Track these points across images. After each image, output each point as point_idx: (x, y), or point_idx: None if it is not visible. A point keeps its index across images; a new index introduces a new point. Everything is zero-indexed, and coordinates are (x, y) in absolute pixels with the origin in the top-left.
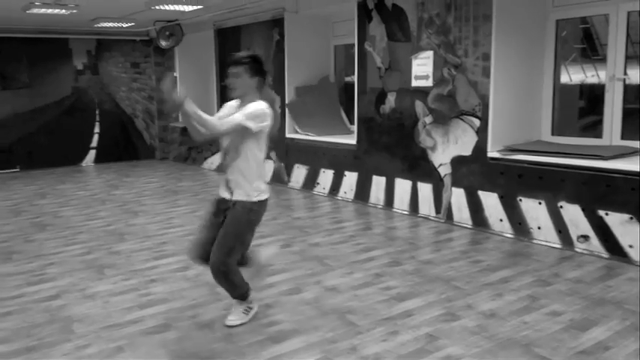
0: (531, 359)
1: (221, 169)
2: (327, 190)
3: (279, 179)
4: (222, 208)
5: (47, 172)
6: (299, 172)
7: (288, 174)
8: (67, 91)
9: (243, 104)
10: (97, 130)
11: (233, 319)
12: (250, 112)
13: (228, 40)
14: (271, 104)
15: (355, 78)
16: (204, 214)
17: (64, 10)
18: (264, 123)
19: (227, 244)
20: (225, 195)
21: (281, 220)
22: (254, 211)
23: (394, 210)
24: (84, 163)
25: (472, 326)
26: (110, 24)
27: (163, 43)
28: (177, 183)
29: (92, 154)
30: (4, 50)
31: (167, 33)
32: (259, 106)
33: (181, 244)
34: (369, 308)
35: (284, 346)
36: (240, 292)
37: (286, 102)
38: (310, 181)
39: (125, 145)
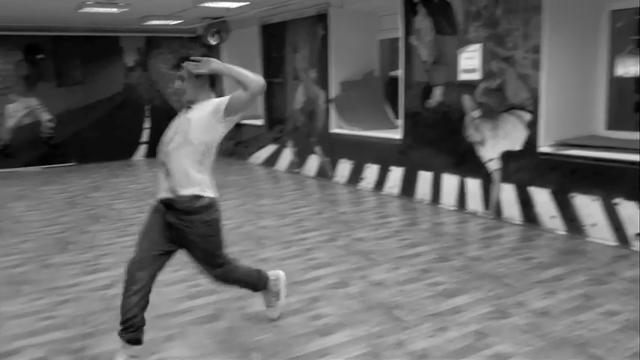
0: (586, 359)
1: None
2: (372, 185)
3: (324, 174)
4: None
5: (101, 165)
6: (344, 167)
7: (333, 169)
8: (118, 88)
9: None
10: (146, 125)
11: (272, 312)
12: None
13: (273, 36)
14: (314, 100)
15: (401, 72)
16: None
17: (115, 9)
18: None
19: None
20: None
21: (326, 215)
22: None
23: (441, 206)
24: (135, 158)
25: (523, 324)
26: (159, 22)
27: (210, 40)
28: (225, 177)
29: (143, 148)
30: (59, 49)
31: (214, 30)
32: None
33: (230, 236)
34: (416, 304)
35: (330, 340)
36: (256, 284)
37: (331, 97)
38: (355, 176)
39: None
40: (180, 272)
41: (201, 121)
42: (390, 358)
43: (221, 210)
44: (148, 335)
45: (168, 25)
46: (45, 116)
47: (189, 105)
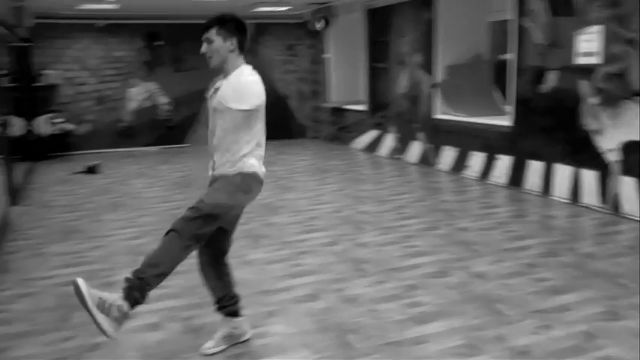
0: None
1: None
2: (477, 174)
3: (426, 161)
4: None
5: None
6: (448, 155)
7: (436, 156)
8: None
9: (224, 77)
10: None
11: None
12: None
13: (378, 20)
14: (418, 85)
15: (512, 56)
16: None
17: None
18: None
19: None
20: None
21: (427, 202)
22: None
23: (552, 197)
24: None
25: (637, 328)
26: (268, 8)
27: (317, 25)
28: (327, 161)
29: None
30: (176, 36)
31: (320, 15)
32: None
33: (329, 220)
34: (520, 299)
35: (427, 328)
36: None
37: (436, 81)
38: (459, 164)
39: (280, 125)
40: (282, 251)
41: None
42: (489, 352)
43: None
44: (249, 310)
45: (276, 11)
46: (163, 100)
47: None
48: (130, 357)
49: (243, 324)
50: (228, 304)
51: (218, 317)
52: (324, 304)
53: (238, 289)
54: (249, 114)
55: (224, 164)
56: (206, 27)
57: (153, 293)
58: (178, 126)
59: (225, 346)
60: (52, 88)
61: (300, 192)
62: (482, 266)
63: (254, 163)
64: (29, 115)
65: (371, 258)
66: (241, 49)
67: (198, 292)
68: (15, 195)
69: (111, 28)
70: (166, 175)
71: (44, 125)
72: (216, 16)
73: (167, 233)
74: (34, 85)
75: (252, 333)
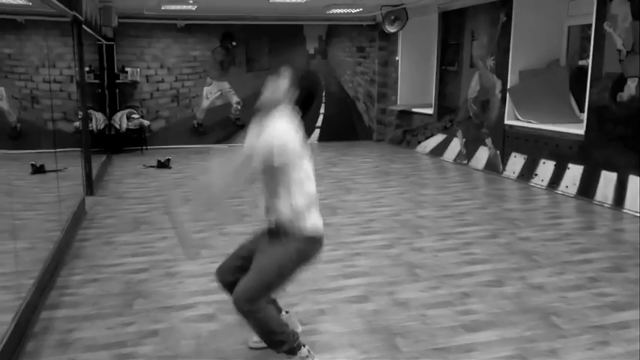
0: None
1: None
2: (545, 183)
3: (493, 168)
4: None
5: None
6: (515, 162)
7: (504, 163)
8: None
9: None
10: (322, 110)
11: (257, 340)
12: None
13: (451, 22)
14: (489, 89)
15: (590, 62)
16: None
17: None
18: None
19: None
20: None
21: (490, 210)
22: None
23: (625, 211)
24: (309, 141)
25: None
26: (341, 10)
27: (389, 28)
28: (390, 164)
29: (317, 132)
30: (250, 37)
31: (392, 17)
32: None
33: (387, 223)
34: (578, 313)
35: (477, 336)
36: (281, 338)
37: (509, 86)
38: (527, 172)
39: (346, 126)
40: (338, 252)
41: None
42: None
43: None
44: (301, 307)
45: (349, 13)
46: (234, 99)
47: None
48: (185, 345)
49: (290, 319)
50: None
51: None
52: (374, 306)
53: (292, 287)
54: None
55: None
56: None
57: (210, 286)
58: (247, 125)
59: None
60: (132, 84)
61: (361, 194)
62: (541, 278)
63: None
64: (110, 110)
65: (426, 263)
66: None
67: None
68: (92, 185)
69: (189, 28)
70: None
71: (123, 120)
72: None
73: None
74: (115, 81)
75: (302, 329)
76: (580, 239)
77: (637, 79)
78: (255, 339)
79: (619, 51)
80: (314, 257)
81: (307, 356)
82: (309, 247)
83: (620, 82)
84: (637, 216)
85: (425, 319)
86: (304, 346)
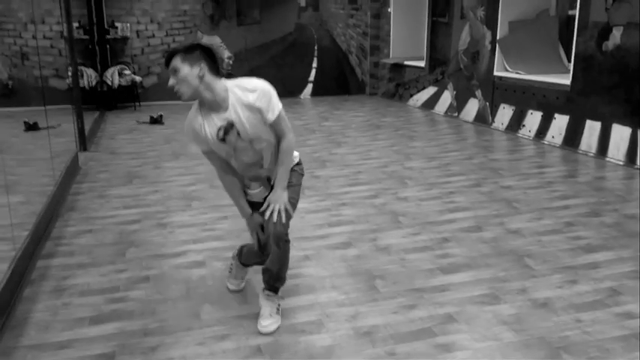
0: None
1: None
2: (532, 133)
3: (483, 119)
4: None
5: None
6: (504, 113)
7: (493, 114)
8: (290, 28)
9: (212, 109)
10: (314, 64)
11: (268, 324)
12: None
13: None
14: (479, 41)
15: (577, 10)
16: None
17: None
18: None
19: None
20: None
21: (476, 160)
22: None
23: (607, 159)
24: (302, 96)
25: None
26: None
27: None
28: (382, 118)
29: (310, 87)
30: None
31: None
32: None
33: (375, 174)
34: (551, 255)
35: (453, 277)
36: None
37: (498, 37)
38: (515, 123)
39: (339, 80)
40: (325, 202)
41: None
42: (510, 302)
43: None
44: None
45: None
46: (226, 53)
47: None
48: (175, 289)
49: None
50: None
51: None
52: (356, 252)
53: None
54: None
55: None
56: (168, 58)
57: (200, 235)
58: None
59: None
60: (122, 40)
61: (350, 147)
62: (520, 223)
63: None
64: (101, 67)
65: (409, 211)
66: (213, 72)
67: (242, 236)
68: (85, 142)
69: None
70: None
71: (114, 76)
72: (174, 49)
73: (279, 244)
74: (105, 37)
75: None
76: (561, 187)
77: (622, 27)
78: (264, 323)
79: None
80: None
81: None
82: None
83: (605, 30)
84: (619, 164)
85: (404, 262)
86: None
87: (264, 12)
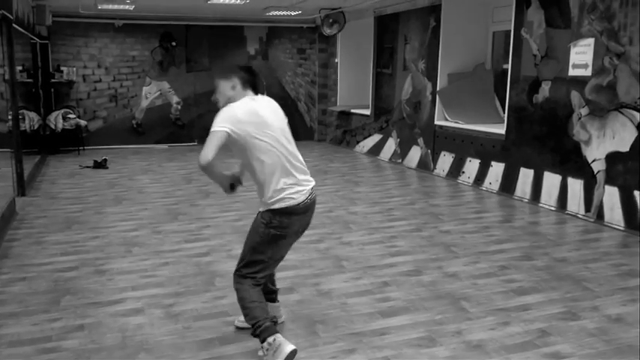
0: None
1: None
2: (471, 180)
3: (425, 166)
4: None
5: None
6: (445, 160)
7: (434, 161)
8: None
9: None
10: None
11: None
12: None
13: (386, 27)
14: (421, 91)
15: (509, 65)
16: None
17: (239, 0)
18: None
19: (242, 254)
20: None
21: (417, 206)
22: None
23: (540, 205)
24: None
25: (591, 328)
26: (280, 12)
27: (327, 30)
28: (329, 164)
29: None
30: (190, 37)
31: (330, 20)
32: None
33: (320, 219)
34: (485, 297)
35: (392, 321)
36: (252, 322)
37: (437, 89)
38: (455, 170)
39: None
40: None
41: None
42: (445, 345)
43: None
44: (229, 299)
45: (288, 15)
46: (174, 99)
47: None
48: (110, 338)
49: (277, 308)
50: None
51: (198, 305)
52: (299, 297)
53: (220, 281)
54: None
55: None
56: (215, 81)
57: (140, 281)
58: (187, 125)
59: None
60: (68, 84)
61: None
62: (457, 267)
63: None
64: (44, 110)
65: (352, 256)
66: (252, 87)
67: (182, 282)
68: (23, 186)
69: (128, 28)
70: (171, 172)
71: (58, 120)
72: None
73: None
74: (50, 81)
75: (229, 319)
76: (497, 231)
77: (550, 82)
78: (241, 319)
79: (534, 55)
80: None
81: (270, 347)
82: (280, 218)
83: (535, 84)
84: (551, 209)
85: (345, 307)
86: (275, 334)
87: (214, 59)
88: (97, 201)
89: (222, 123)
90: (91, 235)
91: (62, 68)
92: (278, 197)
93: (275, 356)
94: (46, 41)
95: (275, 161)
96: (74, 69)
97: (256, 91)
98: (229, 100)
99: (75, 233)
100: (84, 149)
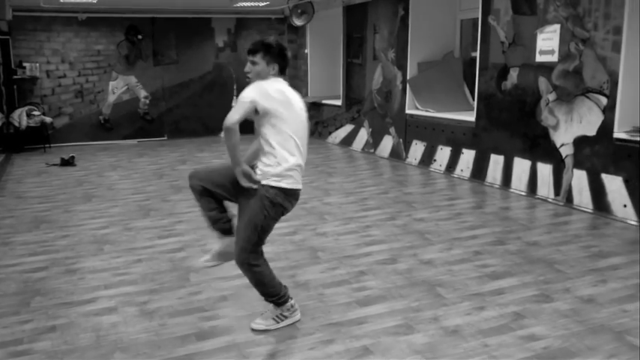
0: (621, 346)
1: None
2: (443, 168)
3: (397, 155)
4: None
5: (189, 141)
6: (416, 149)
7: (406, 150)
8: (208, 67)
9: None
10: (234, 103)
11: (259, 322)
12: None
13: (355, 16)
14: (391, 81)
15: (478, 53)
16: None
17: None
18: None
19: (245, 237)
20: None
21: (391, 195)
22: (270, 197)
23: (511, 190)
24: (221, 134)
25: (565, 309)
26: (248, 3)
27: (296, 21)
28: None
29: None
30: (157, 29)
31: (299, 11)
32: (250, 87)
33: (294, 211)
34: (460, 283)
35: (369, 310)
36: (268, 293)
37: (408, 78)
38: (427, 158)
39: None
40: None
41: None
42: (423, 331)
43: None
44: (205, 294)
45: (257, 6)
46: (142, 93)
47: None
48: (84, 338)
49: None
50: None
51: (173, 301)
52: None
53: (194, 276)
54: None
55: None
56: (253, 51)
57: (112, 280)
58: (156, 119)
59: (220, 263)
60: (31, 80)
61: None
62: (432, 254)
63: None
64: (7, 108)
65: (327, 246)
66: (282, 72)
67: (156, 279)
68: None
69: (92, 21)
70: (141, 167)
71: (22, 117)
72: (263, 41)
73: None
74: (13, 77)
75: (203, 315)
76: (469, 217)
77: (518, 68)
78: (205, 257)
79: (502, 43)
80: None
81: (292, 307)
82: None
83: (504, 71)
84: (522, 194)
85: (322, 297)
86: (291, 298)
87: (182, 52)
88: (65, 199)
89: (253, 94)
90: (61, 234)
91: (24, 64)
92: (288, 174)
93: (293, 315)
94: (7, 37)
95: (292, 137)
96: (37, 65)
97: (283, 75)
98: (260, 78)
99: (43, 233)
100: (50, 147)
